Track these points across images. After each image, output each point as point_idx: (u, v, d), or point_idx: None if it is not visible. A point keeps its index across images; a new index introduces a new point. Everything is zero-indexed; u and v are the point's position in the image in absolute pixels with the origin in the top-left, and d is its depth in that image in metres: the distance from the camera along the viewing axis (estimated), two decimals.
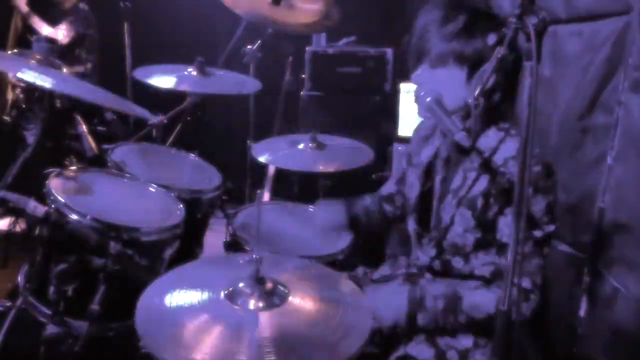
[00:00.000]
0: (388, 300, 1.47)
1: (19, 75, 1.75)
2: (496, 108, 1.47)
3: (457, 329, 1.46)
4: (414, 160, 1.69)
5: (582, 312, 1.76)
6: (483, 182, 1.45)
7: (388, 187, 1.88)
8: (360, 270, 1.80)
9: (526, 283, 1.36)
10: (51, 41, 3.86)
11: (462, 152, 1.51)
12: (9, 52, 3.81)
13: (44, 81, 1.75)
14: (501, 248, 1.43)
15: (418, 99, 1.49)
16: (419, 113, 1.53)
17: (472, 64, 1.43)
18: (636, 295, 1.55)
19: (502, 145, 1.45)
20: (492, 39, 1.36)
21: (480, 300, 1.42)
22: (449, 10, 1.45)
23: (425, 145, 1.67)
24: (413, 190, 1.65)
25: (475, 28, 1.42)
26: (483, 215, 1.45)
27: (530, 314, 1.38)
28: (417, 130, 1.77)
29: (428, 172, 1.62)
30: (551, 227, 1.40)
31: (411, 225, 1.65)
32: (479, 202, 1.45)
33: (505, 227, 1.41)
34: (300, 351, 1.08)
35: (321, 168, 2.28)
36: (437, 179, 1.59)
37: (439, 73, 1.46)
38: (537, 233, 1.38)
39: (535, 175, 1.38)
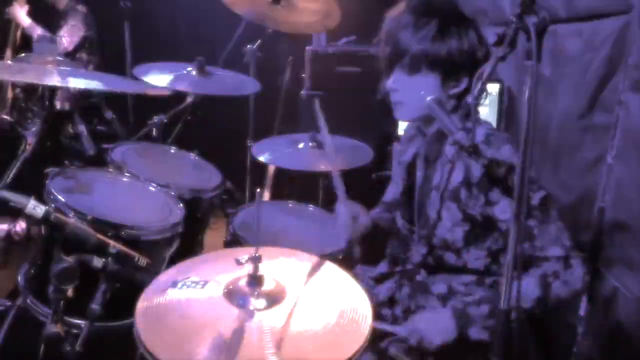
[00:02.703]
0: (437, 327, 1.43)
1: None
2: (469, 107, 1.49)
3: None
4: (401, 160, 1.73)
5: (582, 312, 1.76)
6: (460, 172, 1.47)
7: (391, 193, 1.87)
8: (359, 268, 1.81)
9: (555, 251, 1.38)
10: (52, 40, 3.84)
11: (437, 148, 1.54)
12: (10, 54, 3.82)
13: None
14: (504, 235, 1.44)
15: (396, 104, 1.54)
16: (397, 116, 1.58)
17: (446, 67, 1.46)
18: (636, 295, 1.55)
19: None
20: (492, 38, 1.37)
21: (524, 289, 1.40)
22: (420, 15, 1.47)
23: (410, 144, 1.71)
24: (398, 187, 1.69)
25: (448, 30, 1.45)
26: (468, 207, 1.46)
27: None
28: (405, 131, 1.81)
29: (410, 169, 1.66)
30: (542, 193, 1.41)
31: (399, 221, 1.67)
32: (463, 193, 1.46)
33: (503, 213, 1.42)
34: (301, 349, 1.08)
35: (321, 168, 2.28)
36: (418, 175, 1.61)
37: (415, 79, 1.48)
38: (534, 202, 1.39)
39: (508, 156, 1.41)
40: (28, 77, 1.81)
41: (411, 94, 1.50)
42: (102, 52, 4.24)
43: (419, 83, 1.48)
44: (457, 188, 1.47)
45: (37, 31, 3.89)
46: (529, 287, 1.38)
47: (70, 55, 4.00)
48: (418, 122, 1.64)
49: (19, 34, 4.02)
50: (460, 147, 1.44)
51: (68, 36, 3.97)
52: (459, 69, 1.47)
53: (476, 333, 1.41)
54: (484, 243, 1.50)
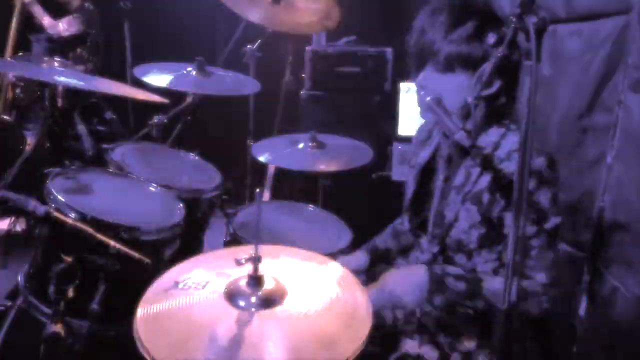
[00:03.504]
0: (408, 282, 1.43)
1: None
2: (499, 110, 1.48)
3: (467, 320, 1.46)
4: (412, 162, 1.72)
5: (581, 312, 1.76)
6: (487, 177, 1.46)
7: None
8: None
9: (542, 278, 1.37)
10: (51, 40, 3.84)
11: (463, 150, 1.51)
12: (9, 53, 3.80)
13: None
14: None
15: (420, 100, 1.51)
16: (421, 115, 1.54)
17: (479, 68, 1.41)
18: (636, 295, 1.55)
19: (503, 141, 1.47)
20: (492, 38, 1.37)
21: (500, 287, 1.40)
22: (458, 15, 1.44)
23: (423, 147, 1.69)
24: (409, 190, 1.67)
25: (485, 32, 1.42)
26: (489, 211, 1.45)
27: (546, 308, 1.38)
28: (417, 133, 1.78)
29: (425, 173, 1.64)
30: (558, 219, 1.40)
31: (405, 223, 1.66)
32: (485, 198, 1.45)
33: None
34: (301, 349, 1.08)
35: (321, 168, 2.28)
36: (440, 178, 1.59)
37: (447, 78, 1.46)
38: (548, 225, 1.38)
39: (539, 167, 1.38)
40: (28, 73, 1.81)
41: (441, 93, 1.44)
42: (103, 53, 4.24)
43: (450, 82, 1.45)
44: (480, 192, 1.46)
45: (35, 7, 3.89)
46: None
47: (69, 50, 3.99)
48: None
49: (20, 20, 3.99)
50: (459, 148, 1.44)
51: (66, 24, 3.96)
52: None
53: (440, 300, 1.40)
54: (496, 246, 1.48)
